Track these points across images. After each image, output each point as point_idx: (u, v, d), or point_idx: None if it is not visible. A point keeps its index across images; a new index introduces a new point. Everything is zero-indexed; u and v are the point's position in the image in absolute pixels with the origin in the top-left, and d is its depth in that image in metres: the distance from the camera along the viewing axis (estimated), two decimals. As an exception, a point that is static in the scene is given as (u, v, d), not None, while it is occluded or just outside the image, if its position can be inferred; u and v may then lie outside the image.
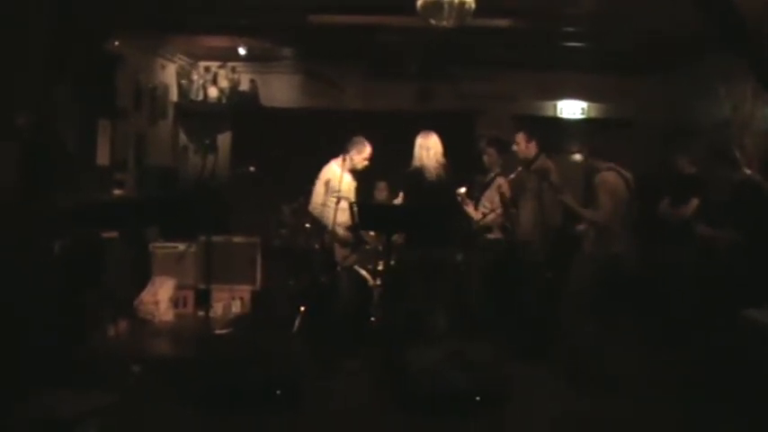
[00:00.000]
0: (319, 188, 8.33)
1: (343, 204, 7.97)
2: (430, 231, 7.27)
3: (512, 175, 8.25)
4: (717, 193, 7.54)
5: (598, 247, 7.13)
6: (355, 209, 7.71)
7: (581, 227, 7.40)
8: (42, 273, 6.82)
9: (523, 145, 8.11)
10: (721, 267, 7.00)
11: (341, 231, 8.23)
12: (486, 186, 8.45)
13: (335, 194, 8.04)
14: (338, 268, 8.22)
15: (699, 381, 6.76)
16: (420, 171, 7.54)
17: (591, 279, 7.07)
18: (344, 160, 8.28)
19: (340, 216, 8.02)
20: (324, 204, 8.22)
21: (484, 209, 8.27)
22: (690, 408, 6.30)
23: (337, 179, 8.12)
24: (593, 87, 11.48)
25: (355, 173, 8.46)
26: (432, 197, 7.43)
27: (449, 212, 7.61)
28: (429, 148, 7.60)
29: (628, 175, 7.28)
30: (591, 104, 11.76)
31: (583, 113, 11.80)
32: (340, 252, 8.33)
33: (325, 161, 8.55)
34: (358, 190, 8.61)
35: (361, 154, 8.34)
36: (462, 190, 8.16)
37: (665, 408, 6.36)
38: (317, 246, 8.30)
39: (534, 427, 6.12)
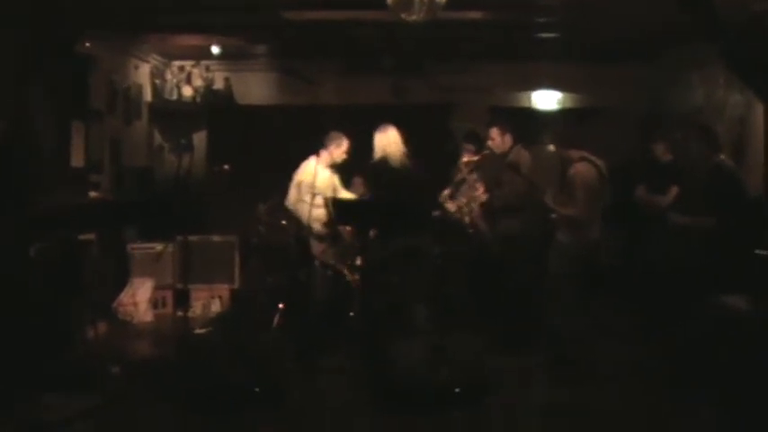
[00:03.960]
0: (295, 185, 8.35)
1: (319, 200, 7.99)
2: (404, 225, 7.29)
3: (476, 158, 8.32)
4: (692, 179, 7.59)
5: (572, 235, 7.16)
6: (330, 204, 7.74)
7: (554, 216, 7.43)
8: (20, 277, 6.80)
9: (498, 139, 8.15)
10: (696, 254, 7.04)
11: (317, 227, 8.24)
12: (461, 185, 8.49)
13: (311, 191, 8.06)
14: (316, 264, 8.21)
15: (675, 368, 6.82)
16: (383, 162, 7.62)
17: (567, 268, 7.10)
18: (321, 156, 8.30)
19: (316, 212, 8.04)
20: (300, 200, 8.24)
21: (459, 203, 8.31)
22: (667, 395, 6.36)
23: (313, 175, 8.13)
24: (567, 77, 11.50)
25: (334, 168, 8.48)
26: (396, 187, 7.47)
27: (419, 205, 7.63)
28: (389, 141, 7.69)
29: (599, 162, 7.32)
30: (566, 94, 11.79)
31: (558, 104, 11.83)
32: (317, 248, 8.34)
33: (302, 158, 8.56)
34: (336, 184, 8.62)
35: (340, 148, 8.36)
36: (446, 192, 8.27)
37: (644, 395, 6.42)
38: (293, 242, 8.31)
39: (516, 419, 6.15)
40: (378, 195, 7.71)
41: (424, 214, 7.73)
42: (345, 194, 8.55)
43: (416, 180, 7.74)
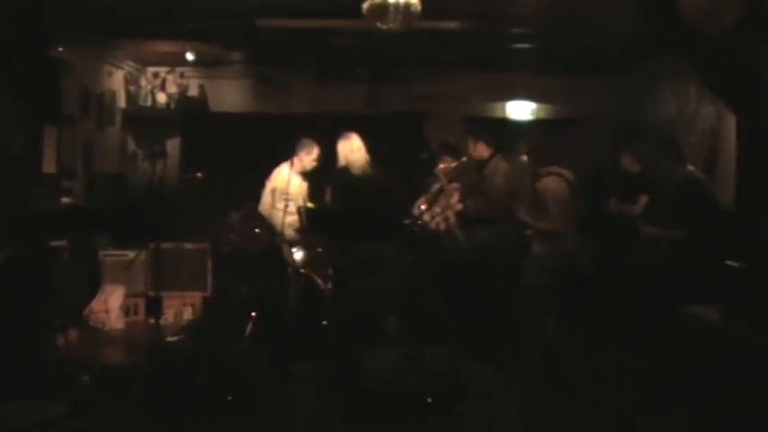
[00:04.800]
0: (268, 192, 8.38)
1: (292, 207, 8.00)
2: (371, 233, 7.29)
3: (453, 164, 8.35)
4: (661, 190, 7.64)
5: (548, 246, 7.18)
6: (302, 212, 7.75)
7: (528, 232, 7.46)
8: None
9: (477, 149, 8.19)
10: (668, 265, 7.08)
11: (290, 233, 8.25)
12: (438, 195, 8.51)
13: (284, 198, 8.07)
14: (288, 271, 8.19)
15: (649, 378, 6.86)
16: (346, 169, 7.67)
17: (542, 278, 7.12)
18: (293, 163, 8.31)
19: (289, 218, 8.05)
20: (273, 207, 8.26)
21: (434, 213, 8.33)
22: (641, 404, 6.39)
23: (286, 182, 8.15)
24: (542, 88, 11.54)
25: (305, 175, 8.51)
26: (359, 195, 7.50)
27: (385, 213, 7.63)
28: (352, 149, 7.74)
29: (567, 173, 7.35)
30: (540, 105, 11.84)
31: (532, 114, 11.87)
32: (290, 255, 8.33)
33: (275, 165, 8.57)
34: (309, 192, 8.64)
35: (310, 155, 8.40)
36: (423, 200, 8.30)
37: (618, 404, 6.45)
38: (266, 250, 8.30)
39: (491, 428, 6.16)
40: (340, 203, 7.74)
41: (391, 222, 7.72)
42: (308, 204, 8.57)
43: (380, 188, 7.76)
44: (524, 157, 7.88)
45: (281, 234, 8.16)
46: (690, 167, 7.40)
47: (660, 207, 7.56)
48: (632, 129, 10.25)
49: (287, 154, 8.43)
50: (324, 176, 8.62)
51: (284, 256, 8.28)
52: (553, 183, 7.27)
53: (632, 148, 8.65)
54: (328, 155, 8.39)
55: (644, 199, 8.14)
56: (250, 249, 8.44)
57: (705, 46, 5.62)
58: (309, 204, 8.42)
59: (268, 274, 8.27)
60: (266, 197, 8.44)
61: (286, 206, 8.02)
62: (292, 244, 8.31)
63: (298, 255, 8.29)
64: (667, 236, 7.21)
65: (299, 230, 8.18)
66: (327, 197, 8.34)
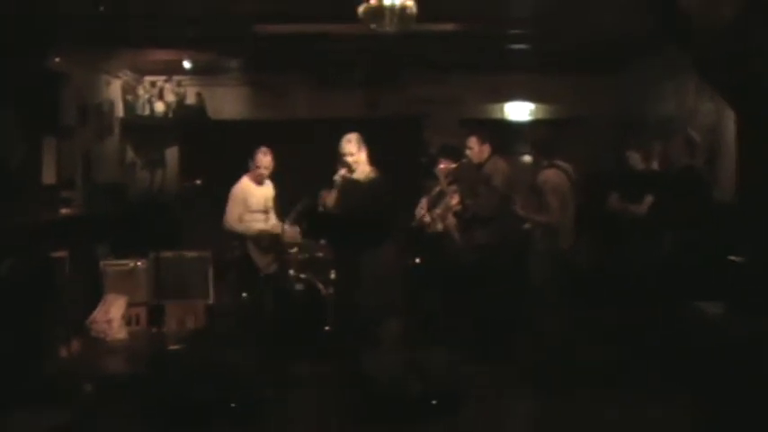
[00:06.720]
0: (232, 205, 8.33)
1: (257, 216, 8.06)
2: (373, 237, 7.28)
3: (453, 165, 8.35)
4: (671, 187, 7.63)
5: (548, 243, 7.17)
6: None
7: (527, 226, 7.45)
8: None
9: (477, 148, 8.18)
10: (670, 261, 7.07)
11: (263, 242, 8.27)
12: (440, 197, 8.52)
13: (245, 207, 8.12)
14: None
15: (651, 374, 6.85)
16: (348, 170, 7.61)
17: (543, 276, 7.11)
18: (252, 172, 8.36)
19: (256, 226, 8.07)
20: (240, 220, 8.26)
21: (434, 215, 8.34)
22: (644, 400, 6.37)
23: (248, 193, 8.22)
24: (539, 88, 11.55)
25: (261, 183, 8.49)
26: (361, 196, 7.45)
27: (388, 217, 7.62)
28: (354, 150, 7.69)
29: (567, 167, 7.35)
30: (538, 105, 11.84)
31: (530, 115, 11.87)
32: (262, 261, 8.33)
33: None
34: (275, 200, 8.62)
35: (258, 163, 8.36)
36: (423, 202, 8.31)
37: (621, 400, 6.43)
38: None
39: (495, 428, 6.15)
40: (342, 206, 7.70)
41: (393, 226, 7.71)
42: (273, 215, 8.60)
43: (381, 190, 7.73)
44: (525, 157, 7.89)
45: (255, 242, 8.18)
46: (697, 163, 7.40)
47: (667, 204, 7.53)
48: (633, 127, 10.23)
49: (286, 160, 8.44)
50: (322, 182, 8.60)
51: (257, 263, 8.29)
52: (553, 174, 7.27)
53: (642, 145, 8.59)
54: (328, 160, 8.35)
55: (649, 199, 8.07)
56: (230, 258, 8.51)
57: (704, 40, 5.61)
58: (271, 209, 8.45)
59: (269, 281, 8.26)
60: (231, 210, 8.40)
61: (251, 214, 8.10)
62: (266, 251, 8.31)
63: (269, 260, 8.28)
64: (634, 210, 7.17)
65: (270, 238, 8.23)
66: (325, 201, 8.31)
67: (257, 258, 8.36)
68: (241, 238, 8.48)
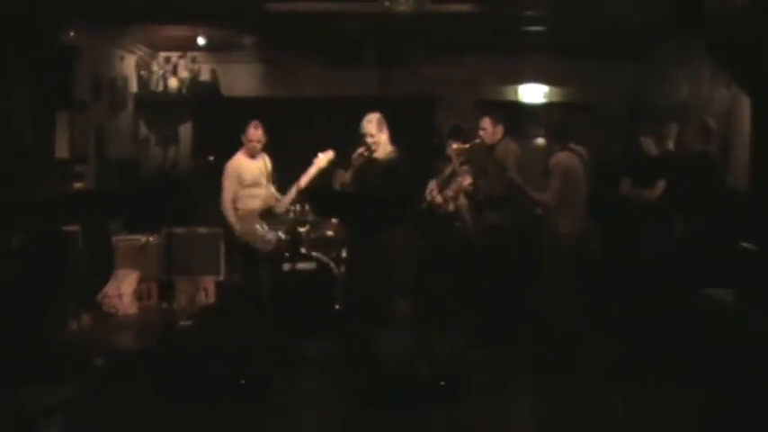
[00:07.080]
0: (227, 182, 8.11)
1: (254, 191, 7.93)
2: (386, 217, 7.22)
3: (466, 146, 8.32)
4: (685, 172, 7.61)
5: (559, 228, 7.14)
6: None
7: (538, 210, 7.44)
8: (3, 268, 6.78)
9: (490, 130, 8.14)
10: (682, 248, 7.06)
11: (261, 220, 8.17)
12: (451, 178, 8.50)
13: (240, 182, 7.98)
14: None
15: (662, 361, 6.84)
16: (368, 149, 7.50)
17: (554, 260, 7.10)
18: (245, 147, 8.19)
19: (257, 203, 8.02)
20: (235, 199, 8.06)
21: (446, 195, 8.34)
22: (654, 388, 6.38)
23: (244, 169, 8.06)
24: (554, 71, 11.51)
25: (255, 156, 8.31)
26: (380, 175, 7.35)
27: (403, 197, 7.55)
28: (372, 133, 7.52)
29: (581, 150, 7.32)
30: (552, 88, 11.79)
31: (544, 97, 11.83)
32: (263, 243, 8.18)
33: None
34: (272, 176, 8.48)
35: (250, 137, 8.19)
36: (434, 183, 8.29)
37: (631, 388, 6.43)
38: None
39: (502, 413, 6.16)
40: (360, 187, 7.60)
41: (406, 206, 7.67)
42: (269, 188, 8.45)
43: (403, 172, 7.65)
44: (538, 140, 7.85)
45: (256, 220, 8.08)
46: (711, 150, 7.38)
47: (680, 189, 7.51)
48: (647, 113, 10.19)
49: (299, 138, 8.40)
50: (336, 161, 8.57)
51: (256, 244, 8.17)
52: (566, 156, 7.23)
53: (656, 130, 8.55)
54: (341, 139, 8.31)
55: (661, 185, 8.04)
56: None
57: (719, 26, 5.58)
58: (270, 184, 8.31)
59: (280, 258, 8.20)
60: (227, 190, 8.14)
61: (248, 189, 7.97)
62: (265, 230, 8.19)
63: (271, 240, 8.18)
64: (647, 196, 7.16)
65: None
66: (339, 180, 8.26)
67: (254, 241, 8.14)
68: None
